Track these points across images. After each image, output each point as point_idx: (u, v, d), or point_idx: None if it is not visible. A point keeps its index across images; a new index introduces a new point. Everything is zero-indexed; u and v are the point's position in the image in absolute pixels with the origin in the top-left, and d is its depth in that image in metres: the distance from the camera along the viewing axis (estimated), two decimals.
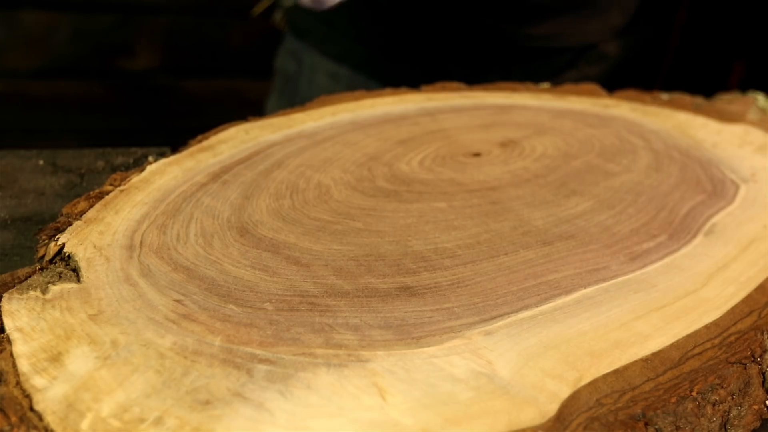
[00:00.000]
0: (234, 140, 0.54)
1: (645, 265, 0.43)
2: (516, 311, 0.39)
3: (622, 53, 0.87)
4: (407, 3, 0.81)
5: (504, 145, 0.58)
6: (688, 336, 0.38)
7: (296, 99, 0.64)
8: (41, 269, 0.39)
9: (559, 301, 0.40)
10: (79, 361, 0.33)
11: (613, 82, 0.73)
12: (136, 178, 0.48)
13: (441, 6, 0.80)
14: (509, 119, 0.62)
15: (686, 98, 0.68)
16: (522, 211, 0.48)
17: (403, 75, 0.72)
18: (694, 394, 0.34)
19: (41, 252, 0.41)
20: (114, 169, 0.57)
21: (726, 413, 0.35)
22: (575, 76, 0.82)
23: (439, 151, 0.56)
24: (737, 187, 0.53)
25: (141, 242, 0.42)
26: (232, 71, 1.57)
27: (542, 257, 0.44)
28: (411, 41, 0.82)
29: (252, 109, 0.64)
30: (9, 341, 0.34)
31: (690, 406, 0.34)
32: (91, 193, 0.46)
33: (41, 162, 0.58)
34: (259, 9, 0.99)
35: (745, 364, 0.36)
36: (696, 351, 0.37)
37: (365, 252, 0.43)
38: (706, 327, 0.39)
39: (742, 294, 0.42)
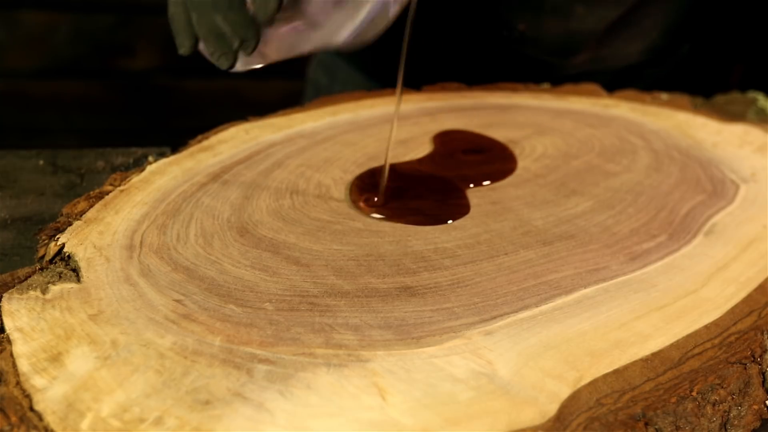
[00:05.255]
0: (234, 140, 0.54)
1: (645, 265, 0.43)
2: (516, 311, 0.39)
3: (660, 72, 0.86)
4: (449, 31, 0.79)
5: None
6: (688, 336, 0.38)
7: None
8: (41, 269, 0.39)
9: (559, 301, 0.40)
10: (79, 361, 0.33)
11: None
12: (136, 178, 0.48)
13: (486, 40, 0.78)
14: (509, 119, 0.62)
15: (686, 98, 0.68)
16: (522, 211, 0.48)
17: None
18: (694, 394, 0.34)
19: (41, 252, 0.41)
20: (114, 169, 0.57)
21: (726, 413, 0.35)
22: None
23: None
24: (737, 187, 0.53)
25: (141, 242, 0.42)
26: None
27: (542, 257, 0.44)
28: (450, 65, 0.81)
29: (252, 109, 0.64)
30: (9, 341, 0.34)
31: (690, 406, 0.34)
32: (91, 193, 0.46)
33: (41, 162, 0.58)
34: None
35: (745, 364, 0.36)
36: (696, 351, 0.37)
37: (365, 252, 0.43)
38: (706, 327, 0.39)
39: (742, 294, 0.41)
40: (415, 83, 0.66)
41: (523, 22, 0.76)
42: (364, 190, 0.49)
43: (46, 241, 0.42)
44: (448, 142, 0.56)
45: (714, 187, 0.53)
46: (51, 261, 0.40)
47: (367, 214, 0.46)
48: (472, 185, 0.51)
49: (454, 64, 0.81)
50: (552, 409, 0.33)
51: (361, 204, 0.47)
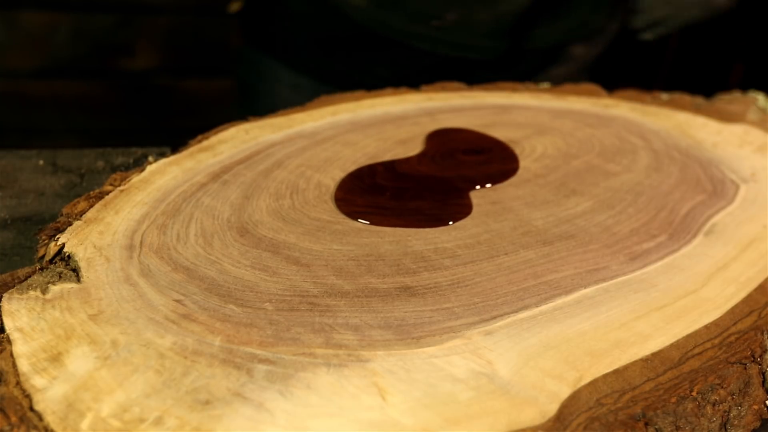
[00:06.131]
0: (234, 140, 0.54)
1: (645, 265, 0.43)
2: (516, 311, 0.39)
3: (590, 52, 0.86)
4: (368, 29, 0.79)
5: None
6: (688, 336, 0.38)
7: (259, 110, 0.63)
8: (41, 269, 0.39)
9: (559, 301, 0.40)
10: (79, 361, 0.33)
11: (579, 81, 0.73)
12: (136, 178, 0.48)
13: (414, 33, 0.78)
14: (509, 119, 0.62)
15: (686, 98, 0.68)
16: (522, 211, 0.48)
17: (364, 86, 0.68)
18: (694, 394, 0.34)
19: (41, 252, 0.41)
20: (114, 169, 0.58)
21: (726, 413, 0.35)
22: (543, 78, 0.81)
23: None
24: (737, 187, 0.53)
25: (141, 242, 0.42)
26: (232, 71, 1.57)
27: (542, 257, 0.44)
28: (372, 57, 0.81)
29: None
30: (9, 341, 0.34)
31: (690, 406, 0.34)
32: (91, 193, 0.46)
33: (41, 162, 0.58)
34: (235, 7, 0.98)
35: (745, 364, 0.36)
36: (696, 351, 0.37)
37: (365, 252, 0.43)
38: (706, 327, 0.39)
39: (742, 294, 0.42)
40: (351, 79, 0.66)
41: (452, 11, 0.76)
42: (363, 192, 0.49)
43: (46, 241, 0.42)
44: (447, 142, 0.56)
45: (714, 187, 0.53)
46: (51, 261, 0.40)
47: (355, 219, 0.46)
48: (478, 186, 0.51)
49: (390, 58, 0.81)
50: (552, 409, 0.33)
51: (349, 209, 0.47)
